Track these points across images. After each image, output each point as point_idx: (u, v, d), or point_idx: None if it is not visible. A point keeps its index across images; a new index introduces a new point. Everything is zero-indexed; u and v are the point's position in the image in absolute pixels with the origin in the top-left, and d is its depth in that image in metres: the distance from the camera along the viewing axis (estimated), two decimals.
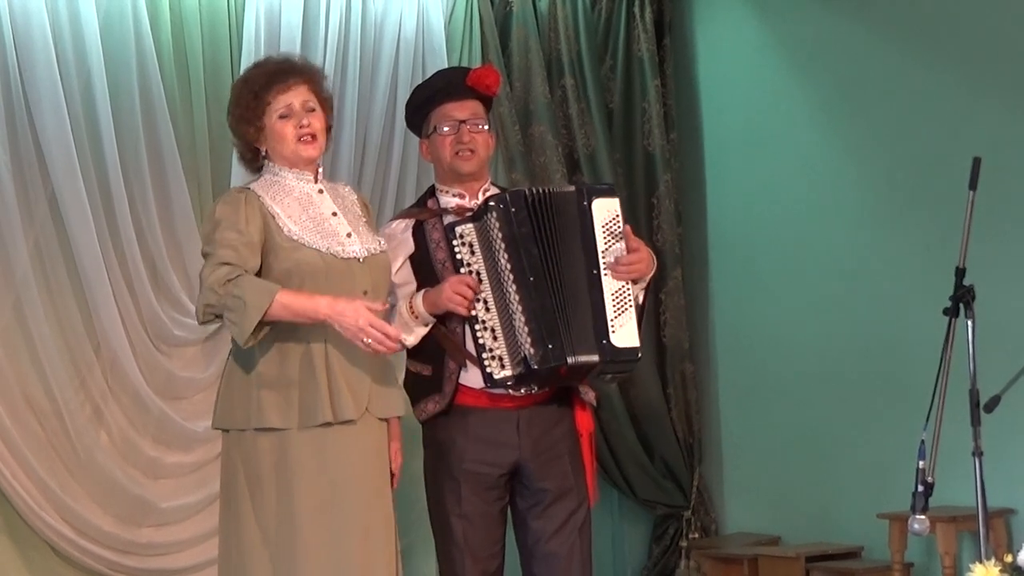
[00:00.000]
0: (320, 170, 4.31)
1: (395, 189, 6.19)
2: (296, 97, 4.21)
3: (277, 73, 4.25)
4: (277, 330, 4.08)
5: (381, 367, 4.24)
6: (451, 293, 4.39)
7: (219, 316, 4.05)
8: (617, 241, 4.48)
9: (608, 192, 4.55)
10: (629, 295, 4.48)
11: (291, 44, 5.85)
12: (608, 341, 4.41)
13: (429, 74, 6.08)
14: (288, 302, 3.99)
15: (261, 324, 4.00)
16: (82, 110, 5.51)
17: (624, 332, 4.45)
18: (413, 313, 4.45)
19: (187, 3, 5.79)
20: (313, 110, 4.24)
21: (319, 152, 4.27)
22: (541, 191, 4.48)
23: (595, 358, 4.41)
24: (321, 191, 4.27)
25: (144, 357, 5.63)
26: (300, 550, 4.05)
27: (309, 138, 4.21)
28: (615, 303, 4.44)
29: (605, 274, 4.45)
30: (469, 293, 4.39)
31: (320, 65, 5.55)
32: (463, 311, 4.40)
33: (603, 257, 4.46)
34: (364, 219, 4.35)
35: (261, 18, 5.85)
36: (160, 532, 5.65)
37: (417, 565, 6.07)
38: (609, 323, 4.43)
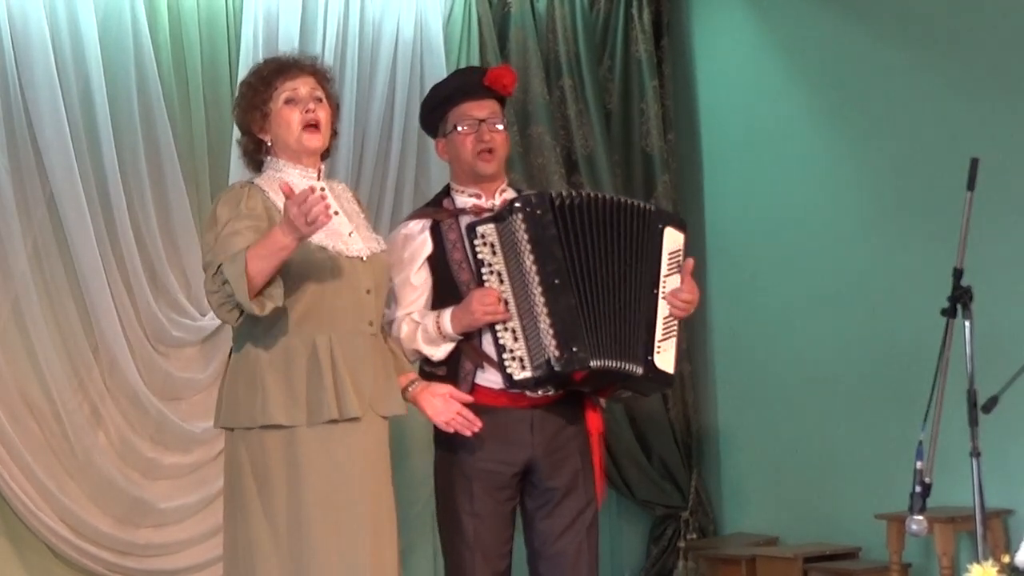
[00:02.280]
0: (322, 168, 4.31)
1: (393, 191, 6.19)
2: (303, 85, 4.22)
3: (287, 63, 4.27)
4: (281, 328, 4.08)
5: (383, 366, 4.24)
6: (483, 309, 4.39)
7: (236, 307, 4.02)
8: (675, 273, 4.56)
9: (682, 225, 4.64)
10: (675, 324, 4.54)
11: (289, 47, 5.81)
12: (651, 358, 4.48)
13: (427, 76, 6.11)
14: (257, 253, 3.93)
15: (264, 288, 3.96)
16: (80, 113, 5.51)
17: (665, 356, 4.53)
18: (440, 332, 4.45)
19: (185, 6, 5.79)
20: (320, 100, 4.24)
21: (322, 144, 4.26)
22: (574, 195, 4.50)
23: (639, 370, 4.46)
24: (323, 188, 4.27)
25: (142, 358, 5.63)
26: (311, 545, 4.05)
27: (313, 127, 4.20)
28: (664, 327, 4.52)
29: (662, 298, 4.50)
30: (496, 302, 4.40)
31: None
32: (503, 318, 4.41)
33: (663, 282, 4.51)
34: (362, 215, 4.36)
35: (259, 21, 5.86)
36: (158, 533, 5.65)
37: (417, 564, 6.08)
38: (656, 343, 4.47)
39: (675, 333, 4.55)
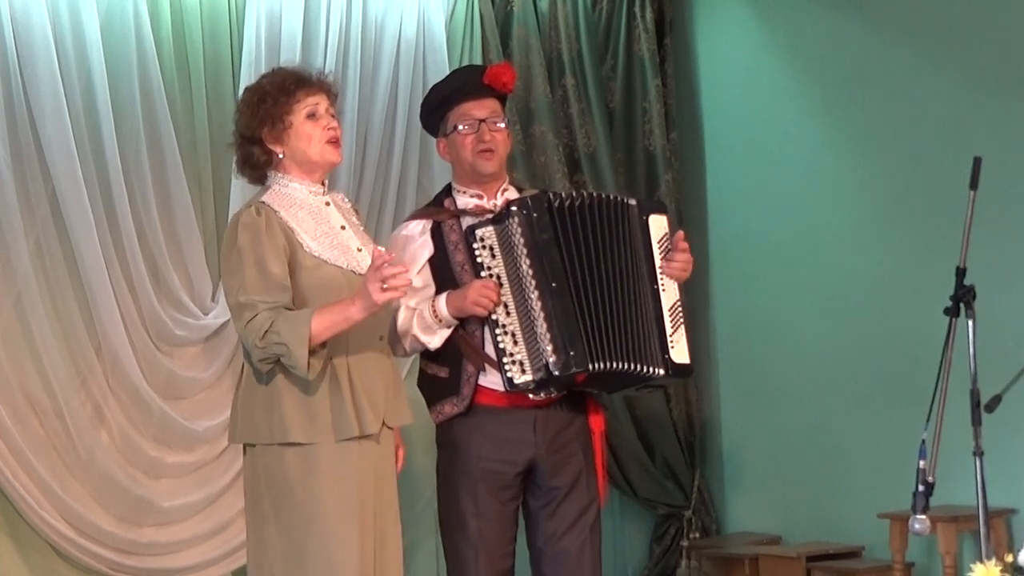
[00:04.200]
0: (326, 182, 4.30)
1: (395, 190, 6.19)
2: (322, 101, 4.21)
3: (304, 76, 4.24)
4: None
5: (392, 377, 4.26)
6: (476, 297, 4.39)
7: (275, 362, 4.05)
8: (667, 258, 4.56)
9: (661, 208, 4.63)
10: (681, 312, 4.54)
11: (292, 44, 5.85)
12: (668, 356, 4.50)
13: (430, 74, 6.10)
14: (325, 324, 3.99)
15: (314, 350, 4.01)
16: (83, 109, 5.51)
17: (680, 348, 4.55)
18: (436, 316, 4.45)
19: (188, 3, 5.78)
20: (334, 117, 4.24)
21: (341, 159, 4.27)
22: (577, 196, 4.50)
23: (660, 371, 4.48)
24: (328, 203, 4.26)
25: (145, 357, 5.63)
26: (330, 556, 4.06)
27: (335, 143, 4.20)
28: (671, 318, 4.52)
29: (663, 290, 4.49)
30: (493, 296, 4.40)
31: (320, 65, 5.56)
32: (482, 314, 4.41)
33: (660, 272, 4.51)
34: (362, 228, 4.36)
35: (262, 17, 5.85)
36: (161, 532, 5.64)
37: (419, 564, 6.08)
38: (669, 338, 4.48)
39: (682, 321, 4.55)
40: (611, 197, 4.55)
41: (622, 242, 4.49)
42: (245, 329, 4.04)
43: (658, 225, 4.57)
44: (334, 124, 4.20)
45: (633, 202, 4.58)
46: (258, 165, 4.22)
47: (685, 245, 4.57)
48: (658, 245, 4.55)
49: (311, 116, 4.18)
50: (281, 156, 4.20)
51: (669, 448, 6.85)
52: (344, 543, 4.06)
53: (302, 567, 4.07)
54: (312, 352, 3.99)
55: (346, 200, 4.41)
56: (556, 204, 4.44)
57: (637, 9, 6.85)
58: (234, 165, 4.32)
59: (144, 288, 5.62)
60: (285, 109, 4.16)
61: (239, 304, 4.07)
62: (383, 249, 4.02)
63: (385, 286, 3.93)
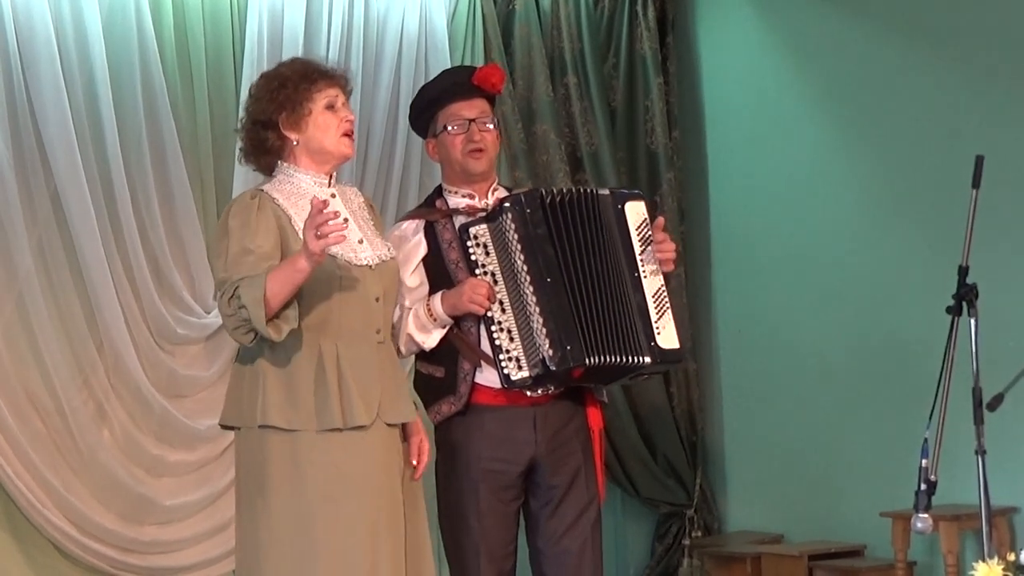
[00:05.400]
0: (334, 175, 4.29)
1: (397, 188, 6.19)
2: (340, 94, 4.21)
3: (323, 67, 4.24)
4: (288, 335, 4.06)
5: (391, 373, 4.22)
6: (471, 294, 4.39)
7: (251, 330, 4.02)
8: (648, 244, 4.54)
9: (637, 196, 4.61)
10: (666, 297, 4.52)
11: (294, 42, 5.85)
12: (655, 343, 4.46)
13: (432, 72, 6.09)
14: (280, 281, 3.93)
15: (279, 312, 3.97)
16: (85, 107, 5.51)
17: (667, 333, 4.50)
18: (431, 315, 4.45)
19: (189, 1, 5.78)
20: (351, 111, 4.24)
21: (354, 154, 4.27)
22: (560, 191, 4.49)
23: (647, 359, 4.45)
24: (334, 195, 4.25)
25: (147, 355, 5.63)
26: (310, 546, 4.05)
27: (350, 135, 4.20)
28: (656, 305, 4.50)
29: (644, 277, 4.49)
30: (489, 294, 4.39)
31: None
32: (478, 311, 4.41)
33: (640, 260, 4.50)
34: (372, 222, 4.34)
35: (264, 15, 5.85)
36: (163, 530, 5.65)
37: None
38: (654, 324, 4.47)
39: (668, 306, 4.53)
40: (585, 190, 4.56)
41: (602, 233, 4.48)
42: (219, 301, 4.05)
43: (635, 211, 4.54)
44: (351, 117, 4.20)
45: (606, 192, 4.57)
46: (270, 151, 4.20)
47: (664, 235, 4.56)
48: (636, 232, 4.53)
49: (330, 107, 4.17)
50: (296, 143, 4.18)
51: (671, 447, 6.85)
52: (323, 537, 4.04)
53: (279, 553, 4.07)
54: (278, 315, 3.95)
55: (359, 194, 4.39)
56: (548, 199, 4.44)
57: (639, 8, 6.85)
58: (238, 153, 4.29)
59: (146, 286, 5.62)
60: (306, 96, 4.15)
61: (218, 280, 4.09)
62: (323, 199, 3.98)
63: (318, 233, 3.87)
